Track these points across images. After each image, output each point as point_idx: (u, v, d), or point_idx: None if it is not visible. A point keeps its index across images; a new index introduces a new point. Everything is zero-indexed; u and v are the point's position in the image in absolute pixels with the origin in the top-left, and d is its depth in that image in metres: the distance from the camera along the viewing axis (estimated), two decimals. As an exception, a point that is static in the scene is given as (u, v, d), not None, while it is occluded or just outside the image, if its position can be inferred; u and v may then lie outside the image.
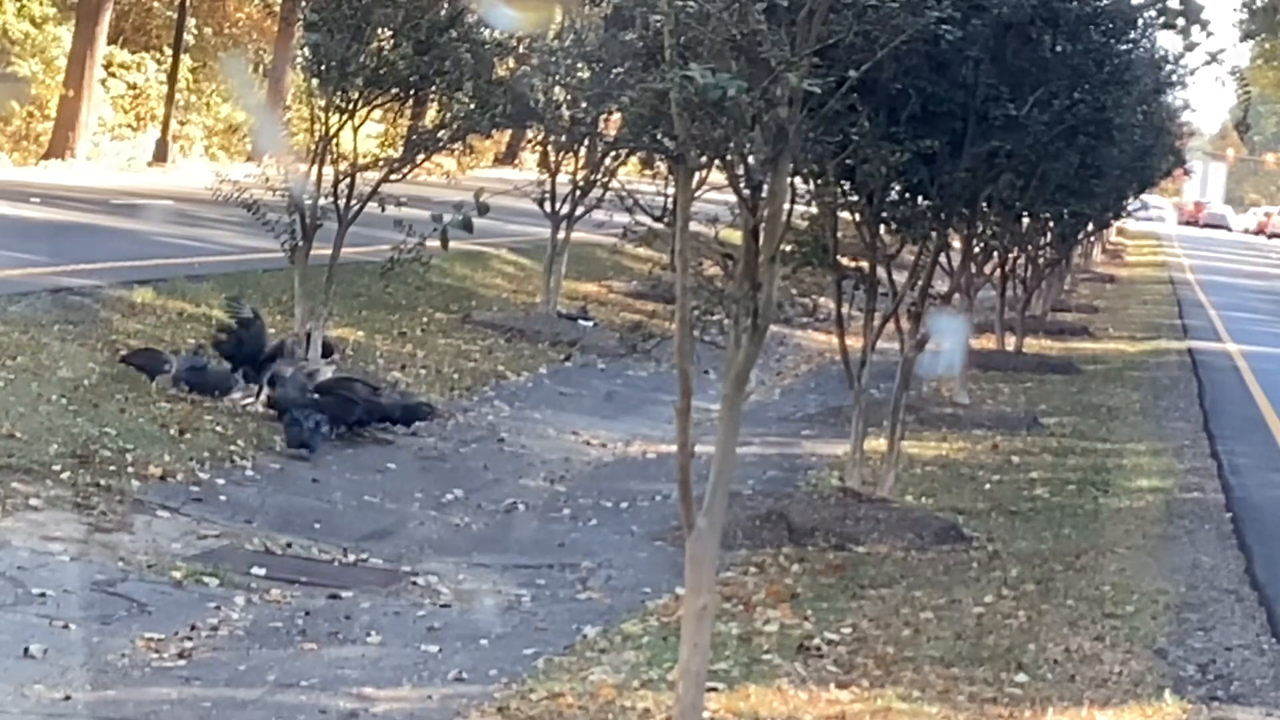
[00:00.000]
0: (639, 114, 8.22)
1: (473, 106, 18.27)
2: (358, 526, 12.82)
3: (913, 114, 12.62)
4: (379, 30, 17.67)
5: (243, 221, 19.08)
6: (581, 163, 23.96)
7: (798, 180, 11.75)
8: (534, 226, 27.11)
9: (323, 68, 17.55)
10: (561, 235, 24.03)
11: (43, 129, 40.63)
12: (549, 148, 23.96)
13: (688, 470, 7.74)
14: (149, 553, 11.17)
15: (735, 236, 7.99)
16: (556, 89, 21.88)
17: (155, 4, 47.24)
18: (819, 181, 13.02)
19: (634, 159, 24.49)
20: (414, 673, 9.29)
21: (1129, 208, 32.91)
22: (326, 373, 16.38)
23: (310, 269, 17.73)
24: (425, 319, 22.35)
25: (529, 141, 29.61)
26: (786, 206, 8.09)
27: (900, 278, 14.30)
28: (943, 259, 15.19)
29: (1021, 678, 9.37)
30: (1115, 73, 14.32)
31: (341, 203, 17.80)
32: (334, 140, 17.68)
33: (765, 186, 7.76)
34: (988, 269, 22.51)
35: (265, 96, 44.03)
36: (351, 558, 11.92)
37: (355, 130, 17.87)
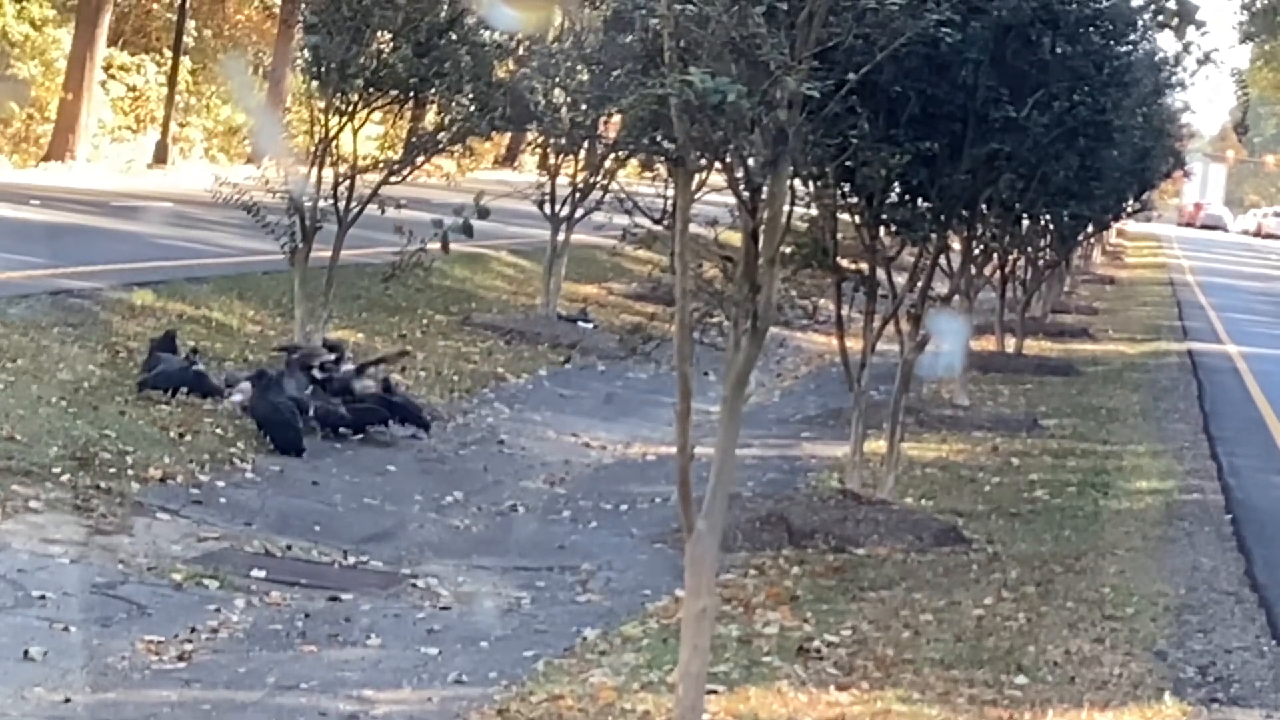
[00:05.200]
0: (638, 116, 8.23)
1: (472, 109, 18.28)
2: (357, 529, 12.82)
3: (912, 116, 12.62)
4: (378, 32, 17.68)
5: (242, 224, 19.08)
6: (581, 165, 23.96)
7: (797, 182, 11.75)
8: (534, 229, 27.11)
9: (322, 70, 17.56)
10: (561, 237, 24.03)
11: (42, 131, 40.63)
12: (549, 150, 23.96)
13: (688, 472, 7.74)
14: (149, 555, 11.17)
15: (735, 239, 7.99)
16: (556, 91, 21.89)
17: (155, 6, 47.24)
18: (819, 184, 13.02)
19: (633, 161, 24.51)
20: (414, 675, 9.29)
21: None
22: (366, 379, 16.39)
23: (310, 271, 17.73)
24: (425, 321, 22.36)
25: (529, 144, 29.64)
26: (786, 209, 8.09)
27: (900, 279, 14.29)
28: (942, 261, 15.19)
29: (1021, 680, 9.37)
30: (1115, 75, 14.32)
31: (341, 205, 17.81)
32: (334, 142, 17.69)
33: (765, 189, 7.76)
34: (987, 271, 22.50)
35: (265, 98, 44.01)
36: (351, 560, 11.92)
37: (355, 132, 17.88)
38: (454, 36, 17.88)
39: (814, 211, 13.24)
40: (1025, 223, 22.62)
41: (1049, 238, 27.66)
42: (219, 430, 14.53)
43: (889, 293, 14.19)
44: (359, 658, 9.67)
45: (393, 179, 17.94)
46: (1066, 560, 12.53)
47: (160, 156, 41.19)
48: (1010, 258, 24.82)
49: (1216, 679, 9.80)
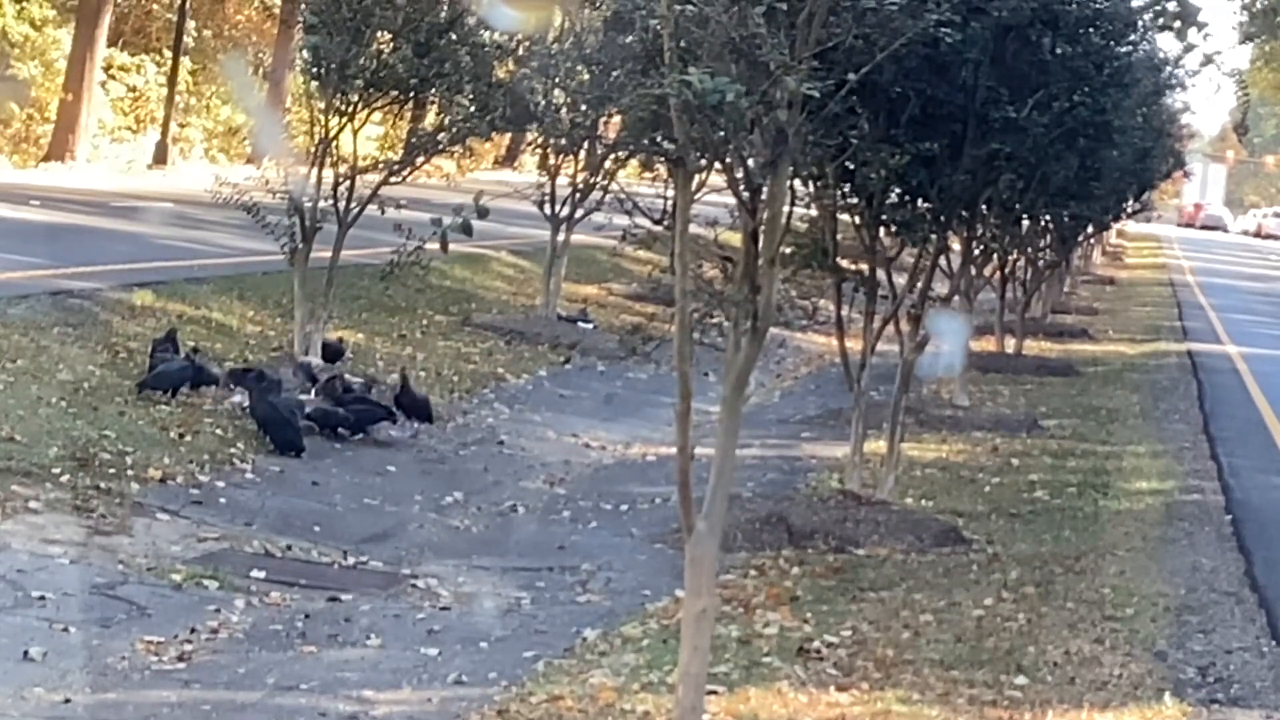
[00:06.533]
0: (638, 117, 8.22)
1: (472, 109, 18.29)
2: (357, 529, 12.82)
3: (912, 116, 12.62)
4: (378, 33, 17.69)
5: (242, 224, 19.08)
6: (581, 165, 23.96)
7: (797, 183, 11.75)
8: (534, 229, 27.11)
9: (322, 70, 17.57)
10: (561, 238, 24.03)
11: (42, 131, 40.62)
12: (549, 150, 23.97)
13: (687, 473, 7.74)
14: (149, 555, 11.17)
15: (735, 239, 7.99)
16: (556, 91, 21.89)
17: (155, 6, 47.23)
18: (819, 184, 13.02)
19: (634, 161, 24.49)
20: (414, 675, 9.29)
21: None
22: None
23: (310, 271, 17.74)
24: (425, 321, 22.36)
25: (529, 144, 29.60)
26: (786, 209, 8.09)
27: (900, 280, 14.29)
28: (942, 261, 15.19)
29: (1021, 680, 9.37)
30: (1115, 75, 14.32)
31: (341, 205, 17.81)
32: (334, 143, 17.69)
33: (765, 189, 7.76)
34: (987, 271, 22.50)
35: (265, 99, 44.01)
36: (351, 560, 11.92)
37: (355, 133, 17.89)
38: (454, 36, 17.89)
39: (814, 212, 13.24)
40: (1025, 223, 22.61)
41: (1049, 238, 27.66)
42: (219, 430, 14.54)
43: (889, 293, 14.19)
44: (359, 658, 9.67)
45: (393, 179, 17.95)
46: (1066, 561, 12.52)
47: (160, 157, 41.17)
48: (1010, 258, 24.80)
49: (1216, 680, 9.80)
